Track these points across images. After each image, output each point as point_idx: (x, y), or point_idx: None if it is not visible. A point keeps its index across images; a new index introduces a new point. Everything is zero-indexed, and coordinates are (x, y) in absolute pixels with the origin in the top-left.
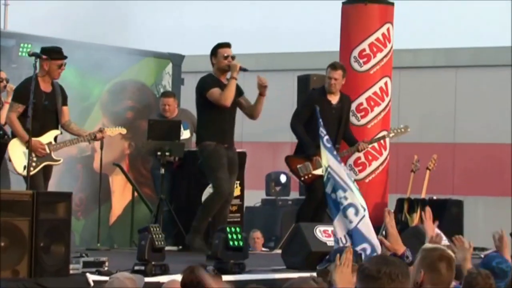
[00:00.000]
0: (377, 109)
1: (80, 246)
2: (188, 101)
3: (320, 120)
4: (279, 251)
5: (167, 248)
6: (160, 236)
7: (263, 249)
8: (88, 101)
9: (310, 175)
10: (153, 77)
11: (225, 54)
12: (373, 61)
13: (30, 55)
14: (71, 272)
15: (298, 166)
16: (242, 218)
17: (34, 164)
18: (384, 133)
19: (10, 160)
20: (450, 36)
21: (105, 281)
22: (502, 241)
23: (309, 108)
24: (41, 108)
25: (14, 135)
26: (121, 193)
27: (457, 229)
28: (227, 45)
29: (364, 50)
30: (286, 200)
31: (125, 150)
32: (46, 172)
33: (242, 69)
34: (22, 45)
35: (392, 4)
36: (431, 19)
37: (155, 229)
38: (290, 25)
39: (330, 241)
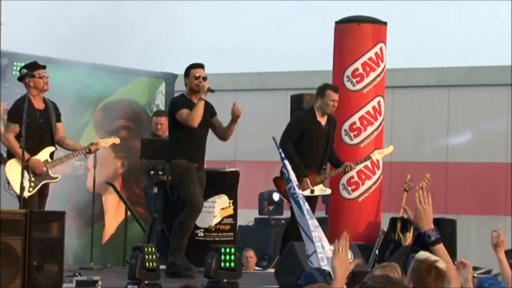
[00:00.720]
0: (370, 128)
1: (73, 265)
2: None
3: (289, 169)
4: (272, 270)
5: (163, 267)
6: (152, 256)
7: (256, 268)
8: (81, 120)
9: None
10: (146, 96)
11: (197, 75)
12: (366, 81)
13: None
14: None
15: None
16: (235, 237)
17: (33, 184)
18: (370, 155)
19: (8, 182)
20: (443, 55)
21: None
22: (499, 238)
23: (298, 128)
24: (35, 125)
25: (11, 156)
26: (114, 212)
27: (451, 248)
28: (199, 65)
29: (357, 69)
30: (279, 219)
31: (118, 169)
32: (43, 190)
33: (210, 90)
34: (16, 63)
35: (385, 23)
36: (424, 39)
37: (149, 249)
38: (284, 45)
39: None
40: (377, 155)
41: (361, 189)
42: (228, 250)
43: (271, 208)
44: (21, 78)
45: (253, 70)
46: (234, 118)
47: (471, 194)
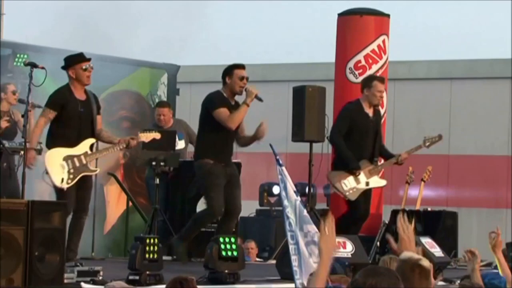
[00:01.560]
0: None
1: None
2: (183, 111)
3: (285, 177)
4: (273, 261)
5: (166, 258)
6: (154, 247)
7: (257, 259)
8: None
9: (354, 190)
10: (148, 87)
11: (241, 75)
12: (369, 73)
13: (26, 64)
14: (65, 281)
15: (342, 181)
16: (237, 228)
17: (71, 176)
18: (419, 142)
19: (47, 173)
20: (445, 48)
21: None
22: (497, 240)
23: (347, 121)
24: (76, 115)
25: (51, 145)
26: (115, 203)
27: (452, 240)
28: (242, 66)
29: (359, 61)
30: (280, 210)
31: (120, 160)
32: (86, 182)
33: (258, 98)
34: (18, 55)
35: (388, 16)
36: (426, 31)
37: (151, 240)
38: (286, 36)
39: None
40: (427, 143)
41: None
42: (228, 239)
43: (271, 199)
44: (65, 68)
45: (255, 62)
46: (257, 137)
47: (473, 187)
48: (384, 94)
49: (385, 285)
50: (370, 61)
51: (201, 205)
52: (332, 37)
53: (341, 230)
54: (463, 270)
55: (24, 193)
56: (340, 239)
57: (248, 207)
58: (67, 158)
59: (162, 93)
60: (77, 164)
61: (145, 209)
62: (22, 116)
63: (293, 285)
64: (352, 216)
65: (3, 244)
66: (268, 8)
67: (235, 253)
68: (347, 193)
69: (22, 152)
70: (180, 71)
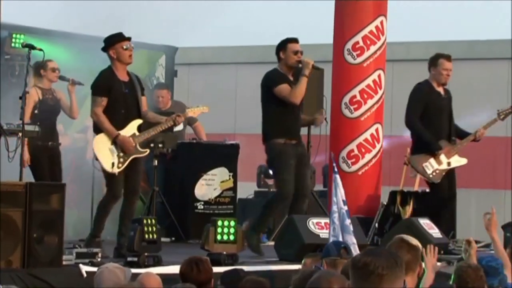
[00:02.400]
0: (370, 102)
1: (73, 237)
2: (182, 93)
3: (339, 186)
4: (271, 243)
5: (164, 239)
6: (152, 228)
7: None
8: (81, 92)
9: (437, 171)
10: (146, 69)
11: (295, 49)
12: (367, 54)
13: (24, 46)
14: (64, 263)
15: (424, 164)
16: (235, 210)
17: (122, 160)
18: (494, 116)
19: (96, 159)
20: (443, 28)
21: None
22: (491, 219)
23: (422, 102)
24: (121, 97)
25: (98, 131)
26: None
27: (450, 221)
28: (296, 40)
29: (357, 42)
30: None
31: None
32: (136, 165)
33: (315, 68)
34: (14, 35)
35: None
36: (424, 12)
37: (148, 221)
38: (283, 18)
39: (323, 233)
40: (501, 115)
41: (361, 162)
42: (227, 222)
43: (268, 181)
44: (104, 50)
45: (254, 43)
46: (316, 124)
47: (471, 168)
48: (450, 72)
49: (381, 263)
50: (368, 42)
51: (199, 186)
52: (330, 18)
53: (427, 214)
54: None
55: (22, 175)
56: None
57: (246, 189)
58: (115, 143)
59: (160, 75)
60: None
61: (144, 191)
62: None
63: (291, 266)
64: (437, 198)
65: (2, 226)
66: None
67: (232, 237)
68: (430, 176)
69: (20, 134)
70: (178, 52)
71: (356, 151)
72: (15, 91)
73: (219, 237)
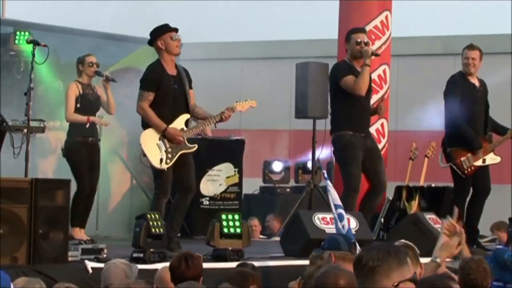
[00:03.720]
0: (375, 97)
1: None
2: None
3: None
4: (277, 238)
5: None
6: (158, 223)
7: (261, 236)
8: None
9: (472, 167)
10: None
11: (358, 40)
12: (372, 49)
13: (29, 42)
14: (69, 259)
15: (462, 159)
16: (241, 206)
17: (170, 155)
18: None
19: (144, 155)
20: (448, 23)
21: None
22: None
23: (458, 93)
24: (170, 92)
25: (146, 126)
26: (119, 181)
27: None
28: (361, 30)
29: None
30: (284, 187)
31: (124, 138)
32: (187, 158)
33: (374, 54)
34: (18, 33)
35: None
36: (429, 7)
37: (153, 216)
38: (288, 13)
39: (328, 229)
40: None
41: None
42: (231, 216)
43: (273, 176)
44: (151, 42)
45: (258, 39)
46: (380, 113)
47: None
48: (477, 62)
49: (372, 256)
50: (373, 37)
51: (204, 182)
52: (335, 13)
53: (462, 207)
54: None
55: (27, 171)
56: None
57: (252, 184)
58: (163, 137)
59: None
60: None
61: (148, 187)
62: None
63: (296, 261)
64: (463, 192)
65: (7, 223)
66: None
67: (238, 230)
68: (466, 171)
69: (25, 130)
70: (182, 48)
71: None
72: (20, 87)
73: (225, 230)
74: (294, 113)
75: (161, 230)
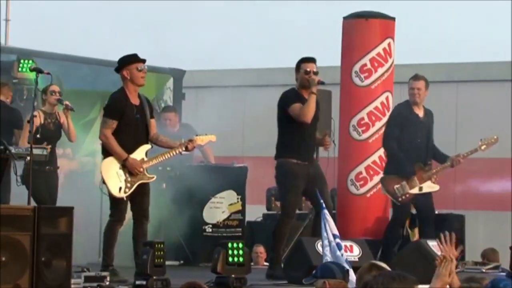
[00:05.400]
0: (378, 124)
1: (82, 260)
2: (189, 115)
3: (328, 221)
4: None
5: (168, 262)
6: (161, 252)
7: (266, 264)
8: (89, 116)
9: (407, 195)
10: (154, 92)
11: (307, 69)
12: (374, 76)
13: (32, 70)
14: (72, 286)
15: (396, 187)
16: (244, 233)
17: (129, 185)
18: (475, 146)
19: (104, 182)
20: (451, 51)
21: None
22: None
23: (399, 124)
24: (133, 122)
25: (107, 154)
26: None
27: (459, 244)
28: (310, 59)
29: (365, 65)
30: None
31: None
32: (143, 188)
33: (320, 83)
34: (22, 61)
35: (393, 19)
36: (432, 34)
37: (158, 245)
38: (291, 40)
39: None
40: (483, 146)
41: (370, 184)
42: (236, 245)
43: (278, 204)
44: (118, 70)
45: (262, 66)
46: (323, 145)
47: (480, 190)
48: (422, 92)
49: (378, 280)
50: (376, 64)
51: (207, 209)
52: (338, 40)
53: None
54: (469, 273)
55: (30, 199)
56: (347, 243)
57: (255, 212)
58: (123, 167)
59: (168, 98)
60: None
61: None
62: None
63: None
64: (397, 221)
65: (10, 250)
66: (274, 11)
67: (241, 259)
68: (399, 199)
69: (28, 158)
70: (186, 75)
71: (364, 173)
72: (24, 115)
73: (230, 259)
74: None
75: (163, 259)
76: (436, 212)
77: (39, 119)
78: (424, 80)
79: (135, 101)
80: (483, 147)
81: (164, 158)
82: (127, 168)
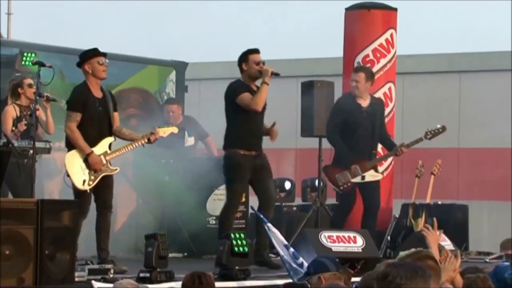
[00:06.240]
0: None
1: (85, 253)
2: (192, 108)
3: (273, 234)
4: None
5: (172, 255)
6: (165, 243)
7: (270, 255)
8: None
9: (348, 184)
10: (156, 85)
11: (257, 60)
12: (377, 67)
13: (34, 63)
14: (76, 279)
15: (337, 175)
16: (247, 224)
17: (92, 177)
18: (421, 135)
19: (68, 175)
20: (453, 41)
21: None
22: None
23: (341, 115)
24: (95, 114)
25: (71, 147)
26: (125, 201)
27: (462, 234)
28: (257, 51)
29: (367, 55)
30: (291, 206)
31: (129, 158)
32: (107, 181)
33: (274, 74)
34: (25, 54)
35: (395, 9)
36: (434, 24)
37: (161, 236)
38: (293, 31)
39: (335, 247)
40: (428, 136)
41: None
42: (238, 235)
43: (282, 195)
44: (80, 65)
45: (264, 58)
46: (271, 138)
47: (483, 180)
48: (362, 84)
49: (400, 273)
50: (378, 55)
51: (211, 201)
52: (340, 31)
53: (339, 226)
54: (473, 263)
55: (33, 192)
56: (350, 234)
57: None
58: (86, 161)
59: (170, 90)
60: None
61: (155, 206)
62: (30, 115)
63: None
64: (342, 210)
65: (14, 243)
66: (276, 3)
67: (246, 249)
68: (341, 188)
69: (31, 151)
70: (188, 68)
71: None
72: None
73: (235, 249)
74: (300, 132)
75: (167, 251)
76: (439, 202)
77: (14, 113)
78: (363, 72)
79: (97, 94)
80: (428, 136)
81: (126, 150)
82: (89, 163)
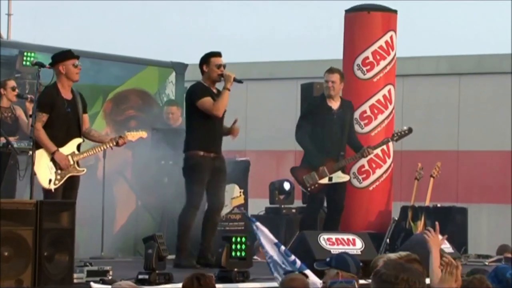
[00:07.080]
0: (380, 117)
1: (84, 255)
2: None
3: (262, 233)
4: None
5: (171, 257)
6: (164, 244)
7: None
8: (91, 111)
9: (316, 185)
10: (156, 86)
11: (218, 63)
12: (377, 69)
13: (33, 64)
14: (75, 281)
15: (304, 176)
16: (246, 227)
17: (59, 177)
18: (388, 137)
19: (35, 174)
20: (453, 43)
21: None
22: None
23: (310, 117)
24: (63, 115)
25: (38, 146)
26: (125, 202)
27: (462, 236)
28: (219, 54)
29: (367, 58)
30: (290, 208)
31: (128, 159)
32: (73, 182)
33: (237, 81)
34: (26, 53)
35: (395, 12)
36: (434, 27)
37: (160, 238)
38: (293, 34)
39: (334, 249)
40: (395, 137)
41: (372, 177)
42: (239, 239)
43: (282, 197)
44: (52, 65)
45: (263, 60)
46: (232, 136)
47: (483, 183)
48: (337, 85)
49: (416, 280)
50: (378, 57)
51: None
52: (340, 33)
53: (308, 227)
54: (472, 266)
55: (32, 193)
56: (349, 236)
57: (257, 205)
58: (53, 160)
59: (170, 91)
60: None
61: (154, 207)
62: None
63: None
64: (314, 211)
65: (12, 245)
66: (275, 5)
67: (243, 253)
68: (308, 189)
69: (30, 152)
70: (188, 69)
71: (367, 167)
72: (26, 109)
73: (233, 253)
74: None
75: (166, 252)
76: (439, 205)
77: None
78: (338, 73)
79: (67, 95)
80: (395, 138)
81: (94, 152)
82: (56, 161)
